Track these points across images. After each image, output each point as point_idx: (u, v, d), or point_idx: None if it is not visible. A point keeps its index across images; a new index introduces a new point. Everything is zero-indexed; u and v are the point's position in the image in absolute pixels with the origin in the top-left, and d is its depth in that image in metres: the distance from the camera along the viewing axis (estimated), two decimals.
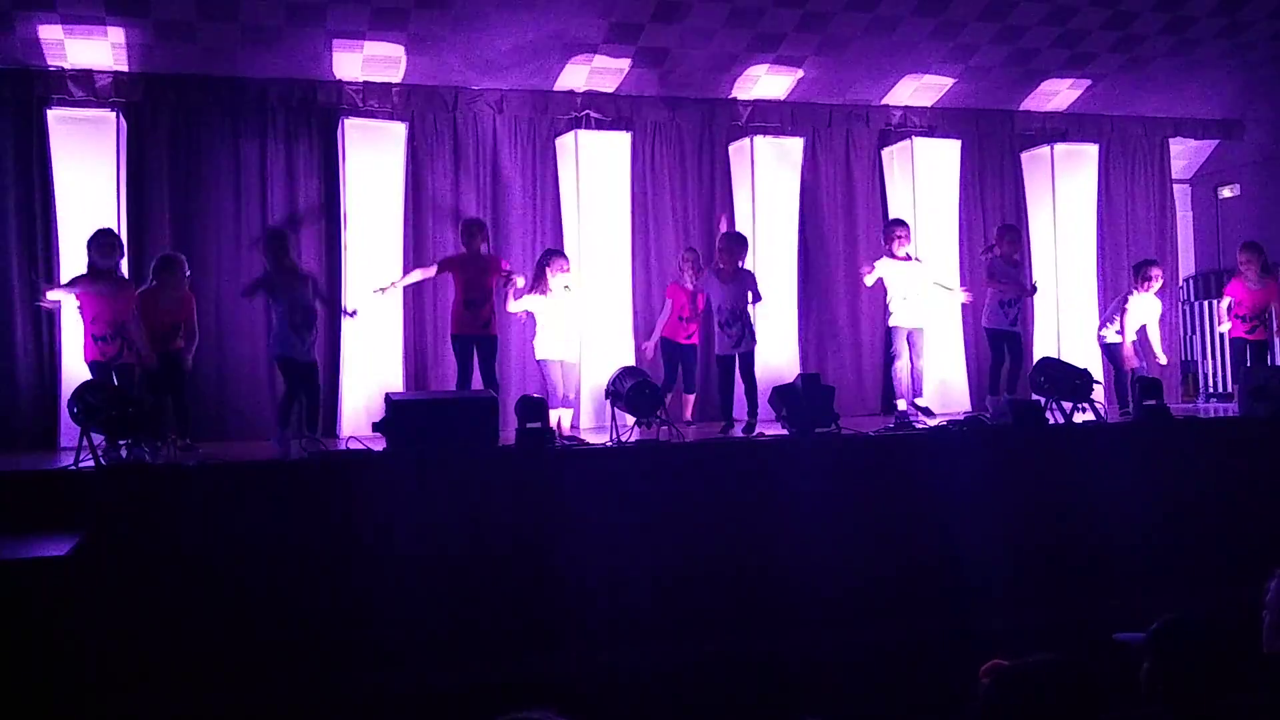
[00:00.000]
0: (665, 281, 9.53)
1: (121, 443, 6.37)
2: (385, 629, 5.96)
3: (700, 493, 6.83)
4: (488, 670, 5.92)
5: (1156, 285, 9.51)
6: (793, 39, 9.61)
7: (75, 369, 7.95)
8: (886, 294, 9.52)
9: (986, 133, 11.40)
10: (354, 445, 7.03)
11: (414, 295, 9.44)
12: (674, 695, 5.81)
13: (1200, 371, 11.79)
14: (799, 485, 6.89)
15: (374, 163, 9.27)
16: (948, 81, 10.62)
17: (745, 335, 8.64)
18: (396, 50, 9.06)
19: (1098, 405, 8.34)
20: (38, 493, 5.87)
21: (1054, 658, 2.63)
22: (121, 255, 7.98)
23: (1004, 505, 7.20)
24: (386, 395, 7.03)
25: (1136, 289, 9.52)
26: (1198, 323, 12.03)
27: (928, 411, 9.31)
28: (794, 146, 10.42)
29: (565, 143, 9.93)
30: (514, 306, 8.36)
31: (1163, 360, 9.91)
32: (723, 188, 10.62)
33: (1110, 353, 9.71)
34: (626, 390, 7.42)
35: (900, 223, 9.66)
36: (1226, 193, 12.34)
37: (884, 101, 10.87)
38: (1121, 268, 11.68)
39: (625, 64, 9.66)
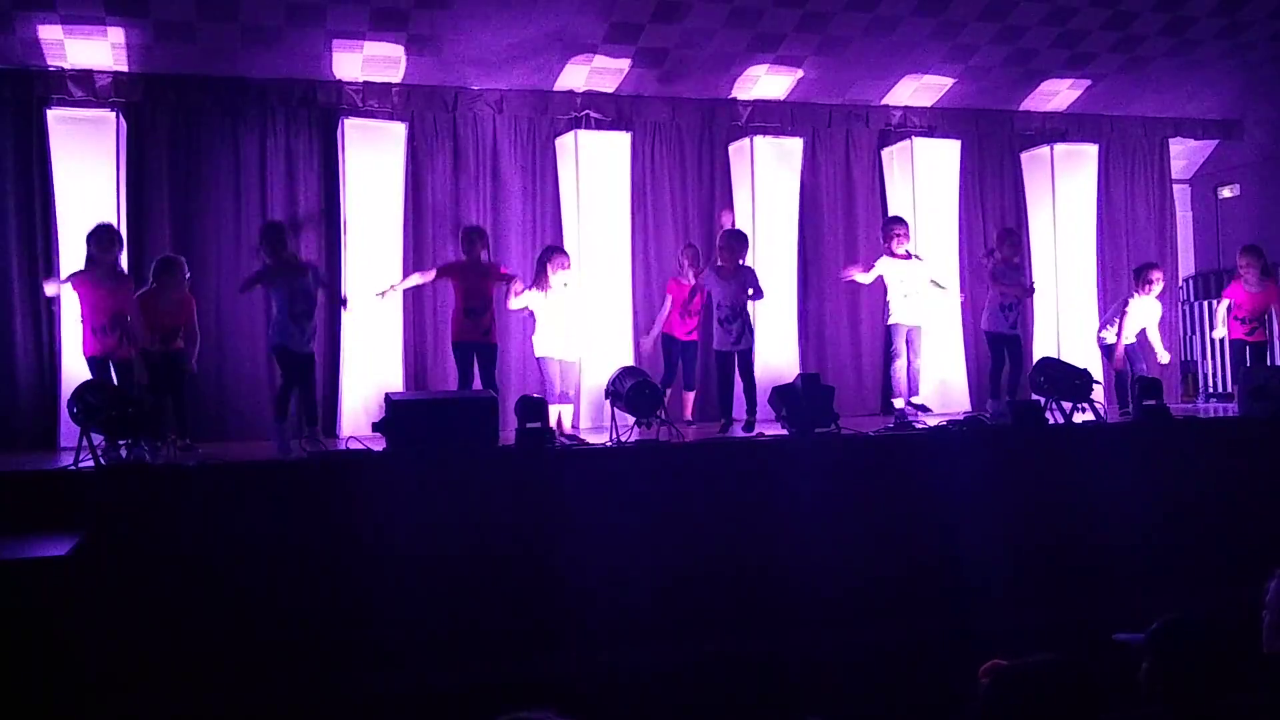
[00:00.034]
0: (665, 281, 9.53)
1: (121, 443, 6.37)
2: (385, 629, 5.96)
3: (700, 493, 6.83)
4: (488, 670, 5.92)
5: (1157, 288, 9.52)
6: (793, 39, 9.61)
7: (75, 369, 7.95)
8: (886, 292, 9.54)
9: (986, 133, 11.41)
10: (354, 445, 7.03)
11: (414, 296, 9.44)
12: (674, 695, 5.81)
13: (1200, 371, 11.79)
14: (799, 485, 6.89)
15: (374, 163, 9.26)
16: (948, 81, 10.63)
17: (745, 332, 8.67)
18: (396, 50, 9.06)
19: (1097, 405, 8.34)
20: (38, 493, 5.86)
21: (1053, 658, 2.63)
22: (121, 249, 8.01)
23: (1004, 505, 7.20)
24: (386, 395, 7.03)
25: (1137, 292, 9.52)
26: (1197, 323, 12.03)
27: (924, 408, 9.33)
28: (794, 146, 10.41)
29: (565, 143, 9.93)
30: (514, 304, 8.38)
31: (1165, 358, 9.91)
32: (723, 188, 10.62)
33: (1108, 353, 9.73)
34: (626, 390, 7.42)
35: (899, 220, 9.68)
36: (1226, 193, 12.35)
37: (884, 101, 10.87)
38: (1121, 268, 11.68)
39: (625, 64, 9.66)
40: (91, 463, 6.08)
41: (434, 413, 6.72)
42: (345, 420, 8.94)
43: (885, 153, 11.08)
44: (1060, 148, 11.12)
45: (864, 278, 9.59)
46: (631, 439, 7.19)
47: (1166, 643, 2.85)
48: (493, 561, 6.29)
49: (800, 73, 10.15)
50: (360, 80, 9.40)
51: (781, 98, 10.54)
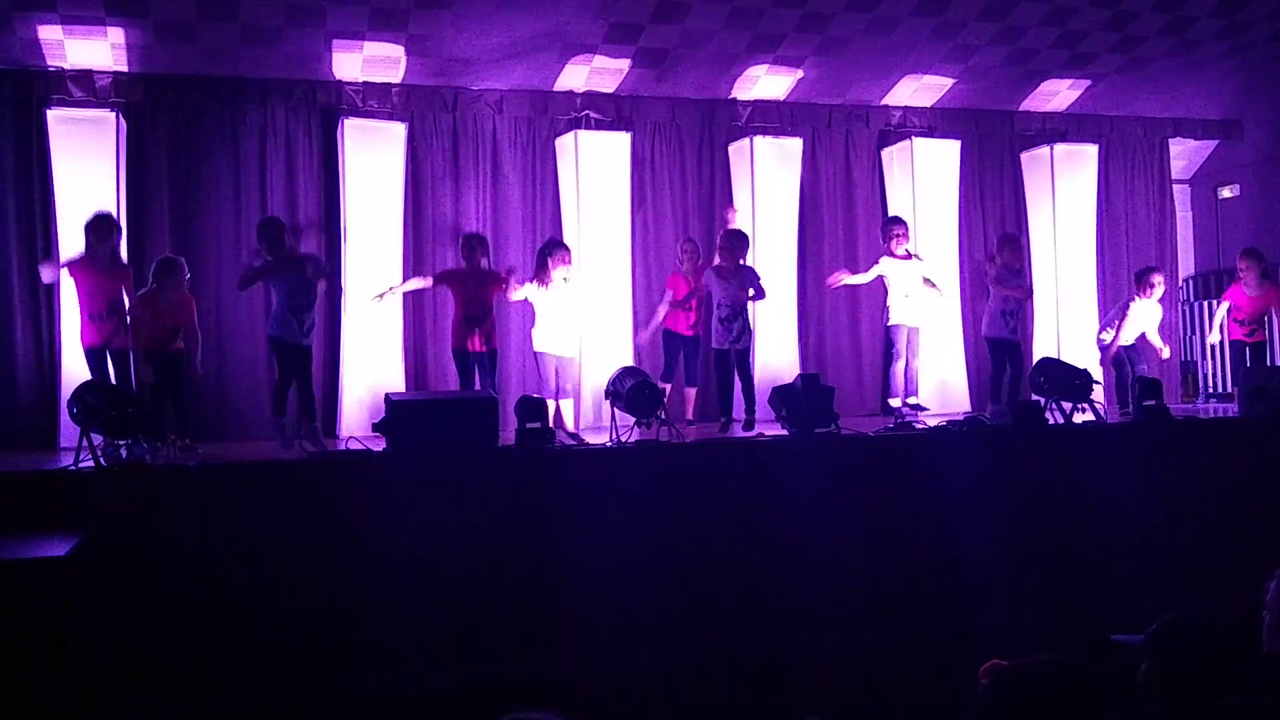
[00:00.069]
0: (664, 282, 9.54)
1: (121, 443, 6.37)
2: (385, 629, 5.96)
3: (700, 493, 6.83)
4: (488, 670, 5.92)
5: (1158, 292, 9.54)
6: (793, 39, 9.61)
7: (75, 369, 7.96)
8: (887, 293, 9.55)
9: (986, 133, 11.41)
10: (354, 445, 7.03)
11: (414, 296, 9.44)
12: (674, 695, 5.82)
13: (1200, 372, 11.79)
14: (799, 485, 6.89)
15: (374, 163, 9.26)
16: (947, 82, 10.63)
17: (744, 332, 8.71)
18: (396, 50, 9.06)
19: (1097, 405, 8.34)
20: (38, 493, 5.86)
21: (1053, 658, 2.63)
22: (119, 237, 8.02)
23: (1004, 505, 7.20)
24: (386, 395, 7.03)
25: (1138, 295, 9.54)
26: (1197, 323, 12.03)
27: (920, 408, 9.35)
28: (794, 147, 10.42)
29: (565, 143, 9.93)
30: (514, 295, 8.45)
31: (1166, 352, 9.92)
32: (722, 188, 10.62)
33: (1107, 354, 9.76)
34: (626, 390, 7.42)
35: (898, 220, 9.70)
36: (1226, 193, 12.35)
37: (884, 102, 10.87)
38: (1121, 268, 11.69)
39: (625, 64, 9.66)
40: (91, 463, 6.08)
41: (434, 413, 6.72)
42: (345, 420, 8.94)
43: (885, 153, 11.08)
44: (1060, 148, 11.12)
45: (859, 279, 9.61)
46: (631, 439, 7.19)
47: (1166, 643, 2.85)
48: (493, 562, 6.29)
49: (800, 73, 10.15)
50: (360, 80, 9.40)
51: (781, 98, 10.54)
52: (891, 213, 10.78)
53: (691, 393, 9.30)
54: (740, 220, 10.21)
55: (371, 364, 9.12)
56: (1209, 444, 8.13)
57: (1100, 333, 9.91)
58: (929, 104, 10.97)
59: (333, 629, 5.93)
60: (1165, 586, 6.80)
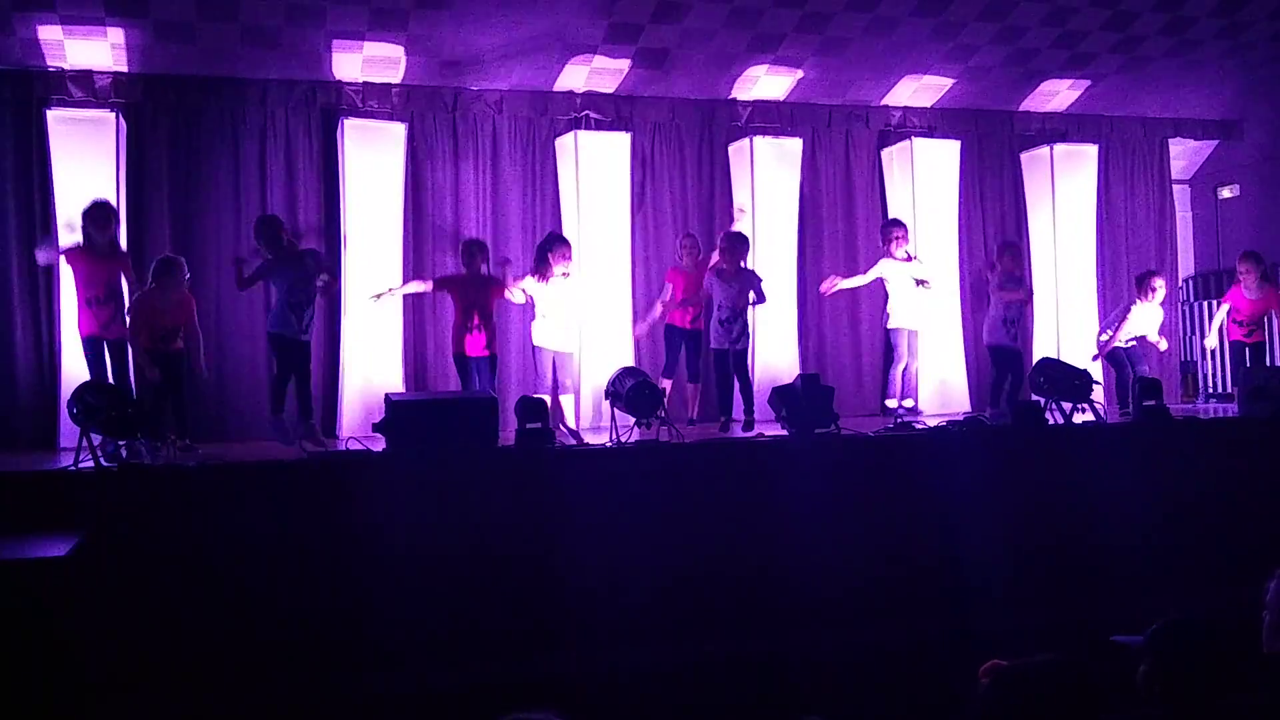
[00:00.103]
0: (664, 282, 9.55)
1: (121, 443, 6.38)
2: (385, 629, 5.96)
3: (700, 493, 6.83)
4: (488, 670, 5.92)
5: (1159, 295, 9.57)
6: (792, 39, 9.61)
7: (75, 370, 7.96)
8: (888, 296, 9.56)
9: (986, 133, 11.40)
10: (354, 445, 7.03)
11: (414, 296, 9.43)
12: (674, 695, 5.82)
13: (1200, 372, 11.79)
14: (798, 486, 6.89)
15: (374, 164, 9.26)
16: (947, 82, 10.63)
17: (743, 334, 8.74)
18: (396, 51, 9.06)
19: (1097, 406, 8.35)
20: (37, 493, 5.87)
21: (1053, 658, 2.63)
22: (117, 226, 8.02)
23: (1003, 506, 7.20)
24: (386, 396, 7.03)
25: (1139, 299, 9.56)
26: (1197, 323, 12.03)
27: (915, 410, 9.38)
28: (794, 147, 10.42)
29: (565, 143, 9.93)
30: (515, 296, 8.53)
31: (1164, 345, 9.92)
32: (722, 188, 10.62)
33: (1109, 355, 9.75)
34: (626, 391, 7.42)
35: (898, 223, 9.71)
36: (1226, 193, 12.35)
37: (883, 102, 10.87)
38: (1121, 268, 11.69)
39: (625, 64, 9.66)
40: (91, 463, 6.08)
41: (434, 413, 6.73)
42: (345, 420, 8.94)
43: (885, 153, 11.08)
44: (1060, 148, 11.12)
45: (854, 282, 9.62)
46: (631, 439, 7.19)
47: (1166, 644, 2.84)
48: (493, 562, 6.29)
49: (800, 73, 10.15)
50: (360, 80, 9.40)
51: (781, 98, 10.54)
52: (891, 213, 10.79)
53: (694, 390, 9.31)
54: (740, 222, 10.21)
55: (371, 364, 9.12)
56: (1209, 444, 8.13)
57: (1100, 334, 9.94)
58: (929, 104, 10.97)
59: (333, 629, 5.93)
60: (1165, 587, 6.81)
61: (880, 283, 9.67)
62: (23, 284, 8.78)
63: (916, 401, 9.83)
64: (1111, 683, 2.78)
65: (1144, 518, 7.31)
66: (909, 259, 9.52)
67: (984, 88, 10.80)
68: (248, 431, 8.94)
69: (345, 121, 9.28)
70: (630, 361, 9.26)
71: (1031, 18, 9.74)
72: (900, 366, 9.54)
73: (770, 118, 10.60)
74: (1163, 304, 9.79)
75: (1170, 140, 12.10)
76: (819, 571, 6.66)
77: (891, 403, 9.39)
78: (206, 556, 5.80)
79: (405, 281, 9.10)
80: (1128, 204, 11.92)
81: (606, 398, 7.70)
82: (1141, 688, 2.86)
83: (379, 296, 8.62)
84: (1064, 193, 11.06)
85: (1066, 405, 8.20)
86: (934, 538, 6.98)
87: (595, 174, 9.75)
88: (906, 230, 9.62)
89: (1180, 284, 12.27)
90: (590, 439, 7.81)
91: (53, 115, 8.62)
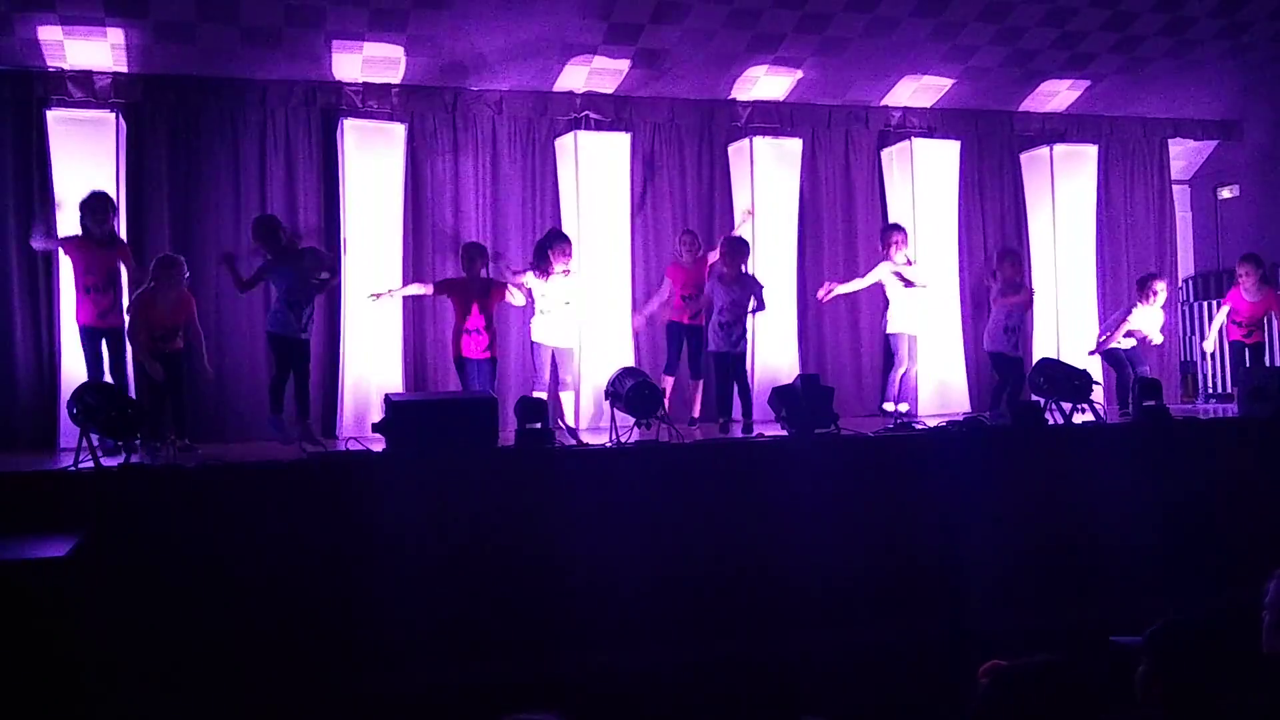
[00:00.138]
0: (664, 278, 9.56)
1: (120, 443, 6.38)
2: (385, 629, 5.97)
3: (700, 493, 6.83)
4: (488, 670, 5.93)
5: (1160, 299, 9.57)
6: (792, 40, 9.61)
7: (75, 370, 7.96)
8: (888, 301, 9.56)
9: (986, 133, 11.40)
10: (354, 446, 7.03)
11: (414, 296, 9.43)
12: (674, 695, 5.82)
13: (1200, 372, 11.80)
14: (798, 486, 6.90)
15: (374, 164, 9.26)
16: (947, 82, 10.63)
17: (742, 338, 8.74)
18: (396, 51, 9.06)
19: (1097, 406, 8.35)
20: (37, 493, 5.86)
21: (1052, 659, 2.63)
22: (115, 217, 8.01)
23: (1003, 506, 7.21)
24: (386, 396, 7.04)
25: (1140, 301, 9.57)
26: (1197, 324, 12.04)
27: (911, 414, 9.39)
28: (793, 147, 10.41)
29: (565, 143, 9.93)
30: (516, 298, 8.56)
31: (1159, 339, 9.91)
32: (722, 189, 10.62)
33: (1108, 356, 9.76)
34: (626, 391, 7.42)
35: (897, 227, 9.71)
36: (1226, 194, 12.35)
37: (883, 102, 10.87)
38: (1121, 269, 11.69)
39: (624, 65, 9.66)
40: (91, 463, 6.08)
41: (434, 413, 6.73)
42: (345, 420, 8.94)
43: (885, 153, 11.08)
44: (1060, 148, 11.11)
45: (851, 286, 9.62)
46: (631, 439, 7.19)
47: (1164, 645, 2.85)
48: (492, 562, 6.29)
49: (800, 73, 10.15)
50: (360, 81, 9.40)
51: (781, 98, 10.54)
52: (891, 213, 10.80)
53: (697, 387, 9.30)
54: (738, 221, 10.22)
55: (371, 364, 9.13)
56: (1209, 444, 8.13)
57: (1100, 336, 9.96)
58: (929, 104, 10.97)
59: (333, 629, 5.93)
60: (1165, 587, 6.81)
61: (880, 285, 9.67)
62: (22, 284, 8.77)
63: (913, 407, 9.84)
64: (1110, 683, 2.78)
65: (1143, 518, 7.31)
66: (908, 263, 9.52)
67: (984, 88, 10.80)
68: (248, 431, 8.94)
69: (345, 122, 9.28)
70: (630, 361, 9.28)
71: (1031, 18, 9.74)
72: (900, 371, 9.55)
73: (770, 118, 10.60)
74: (1164, 307, 9.80)
75: (1170, 140, 12.09)
76: (819, 572, 6.67)
77: (889, 406, 9.40)
78: (206, 557, 5.81)
79: (405, 283, 9.11)
80: (1127, 204, 11.92)
81: (606, 398, 7.70)
82: (1140, 688, 2.86)
83: (378, 296, 8.62)
84: (1064, 193, 11.06)
85: (1066, 405, 8.20)
86: (933, 538, 6.98)
87: (595, 174, 9.74)
88: (906, 235, 9.62)
89: (1180, 284, 12.27)
90: (590, 439, 7.81)
91: (53, 115, 8.62)
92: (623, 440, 7.15)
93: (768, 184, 10.21)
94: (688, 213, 10.51)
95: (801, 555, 6.71)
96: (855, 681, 5.80)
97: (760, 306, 8.85)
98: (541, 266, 8.49)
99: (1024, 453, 7.58)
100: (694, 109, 10.42)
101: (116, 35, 8.42)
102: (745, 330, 8.85)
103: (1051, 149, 11.08)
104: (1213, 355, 11.16)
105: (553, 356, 8.68)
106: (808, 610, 6.61)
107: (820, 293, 9.61)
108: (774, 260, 10.10)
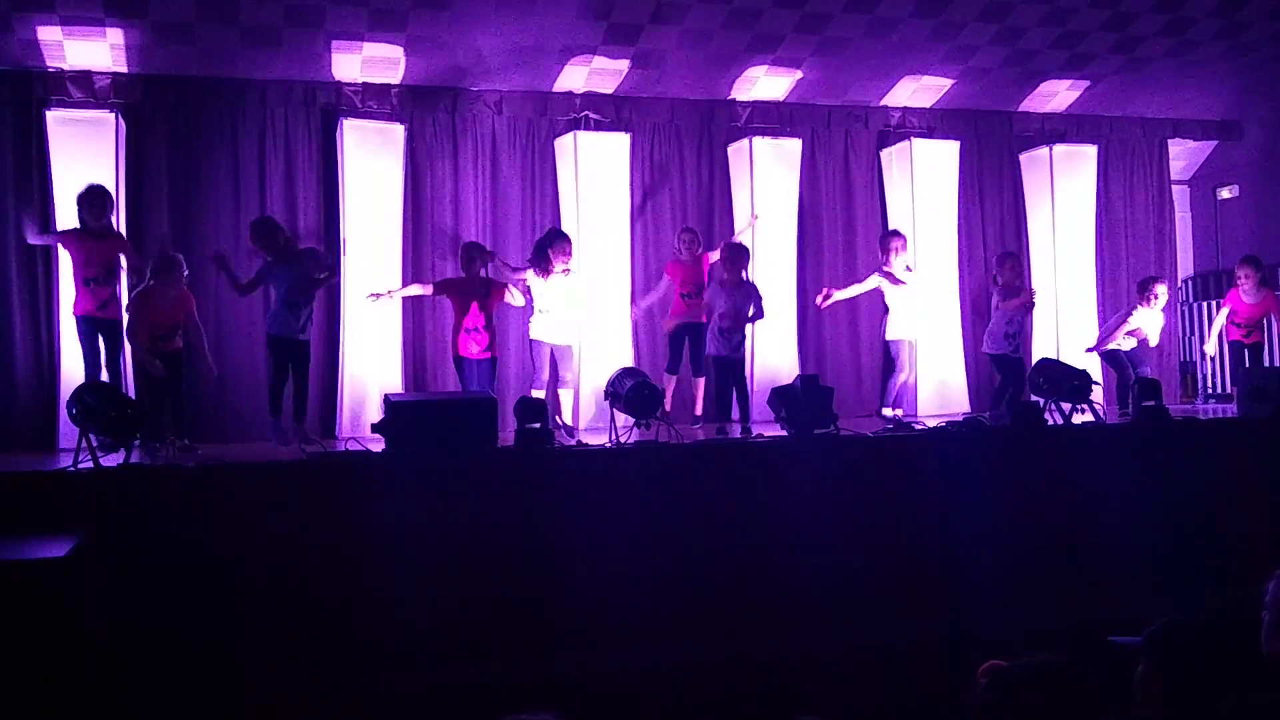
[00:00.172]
0: (663, 275, 9.57)
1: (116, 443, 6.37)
2: (385, 630, 5.96)
3: (699, 493, 6.83)
4: (488, 670, 5.93)
5: (1161, 301, 9.58)
6: (792, 40, 9.61)
7: (74, 370, 7.96)
8: (887, 306, 9.55)
9: (985, 134, 11.40)
10: (353, 446, 7.03)
11: (414, 296, 9.43)
12: (674, 696, 5.82)
13: (1199, 372, 11.80)
14: (798, 486, 6.89)
15: (373, 164, 9.26)
16: (946, 82, 10.63)
17: (742, 343, 8.73)
18: (395, 51, 9.06)
19: (1096, 406, 8.35)
20: (37, 493, 5.86)
21: (1052, 659, 2.63)
22: (112, 211, 8.00)
23: (1002, 506, 7.20)
24: (385, 396, 7.04)
25: (1141, 304, 9.58)
26: (1197, 324, 12.04)
27: (909, 415, 9.39)
28: (793, 147, 10.42)
29: (564, 144, 9.93)
30: (515, 299, 8.52)
31: (1154, 340, 9.91)
32: (721, 189, 10.62)
33: (1109, 356, 9.76)
34: (626, 391, 7.43)
35: (897, 234, 9.70)
36: (1225, 194, 12.35)
37: (883, 102, 10.87)
38: (1120, 269, 11.70)
39: (624, 65, 9.66)
40: (91, 463, 6.08)
41: (433, 414, 6.73)
42: (345, 421, 8.94)
43: (884, 154, 11.08)
44: (1059, 149, 11.12)
45: (850, 292, 9.62)
46: (631, 439, 7.19)
47: (1163, 645, 2.85)
48: (492, 562, 6.29)
49: (799, 73, 10.15)
50: (359, 81, 9.40)
51: (780, 99, 10.54)
52: (891, 213, 10.81)
53: (700, 385, 9.29)
54: (740, 222, 10.22)
55: (371, 364, 9.13)
56: (1208, 445, 8.13)
57: (1099, 336, 9.97)
58: (928, 105, 10.97)
59: (332, 629, 5.93)
60: (1164, 587, 6.81)
61: (879, 290, 9.67)
62: (22, 285, 8.77)
63: (912, 409, 9.84)
64: (1109, 684, 2.78)
65: (1143, 518, 7.31)
66: (907, 270, 9.52)
67: (983, 88, 10.80)
68: (247, 431, 8.94)
69: (344, 122, 9.28)
70: (630, 361, 9.29)
71: (1031, 18, 9.74)
72: (902, 377, 9.54)
73: (769, 118, 10.60)
74: (1164, 309, 9.80)
75: (1170, 141, 12.10)
76: (818, 572, 6.67)
77: (888, 412, 9.39)
78: (206, 557, 5.80)
79: (405, 283, 9.11)
80: (1127, 205, 11.92)
81: (606, 398, 7.70)
82: (1139, 688, 2.86)
83: (377, 297, 8.62)
84: (1063, 193, 11.06)
85: (1066, 406, 8.20)
86: (933, 538, 6.98)
87: (595, 175, 9.75)
88: (905, 241, 9.61)
89: (1180, 284, 12.27)
90: (590, 439, 7.81)
91: (52, 116, 8.62)
92: (622, 440, 7.15)
93: (767, 184, 10.21)
94: (687, 213, 10.51)
95: (801, 555, 6.70)
96: (855, 681, 5.80)
97: (759, 315, 8.82)
98: (541, 265, 8.51)
99: (1023, 453, 7.58)
100: (693, 109, 10.42)
101: (116, 35, 8.42)
102: (745, 336, 8.84)
103: (1051, 149, 11.08)
104: (1212, 355, 11.16)
105: (552, 354, 8.68)
106: (808, 610, 6.61)
107: (819, 299, 9.60)
108: (773, 260, 10.10)
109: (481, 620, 6.19)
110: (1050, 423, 8.00)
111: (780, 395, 7.54)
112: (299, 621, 5.89)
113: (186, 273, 7.88)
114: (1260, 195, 11.94)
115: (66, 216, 8.35)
